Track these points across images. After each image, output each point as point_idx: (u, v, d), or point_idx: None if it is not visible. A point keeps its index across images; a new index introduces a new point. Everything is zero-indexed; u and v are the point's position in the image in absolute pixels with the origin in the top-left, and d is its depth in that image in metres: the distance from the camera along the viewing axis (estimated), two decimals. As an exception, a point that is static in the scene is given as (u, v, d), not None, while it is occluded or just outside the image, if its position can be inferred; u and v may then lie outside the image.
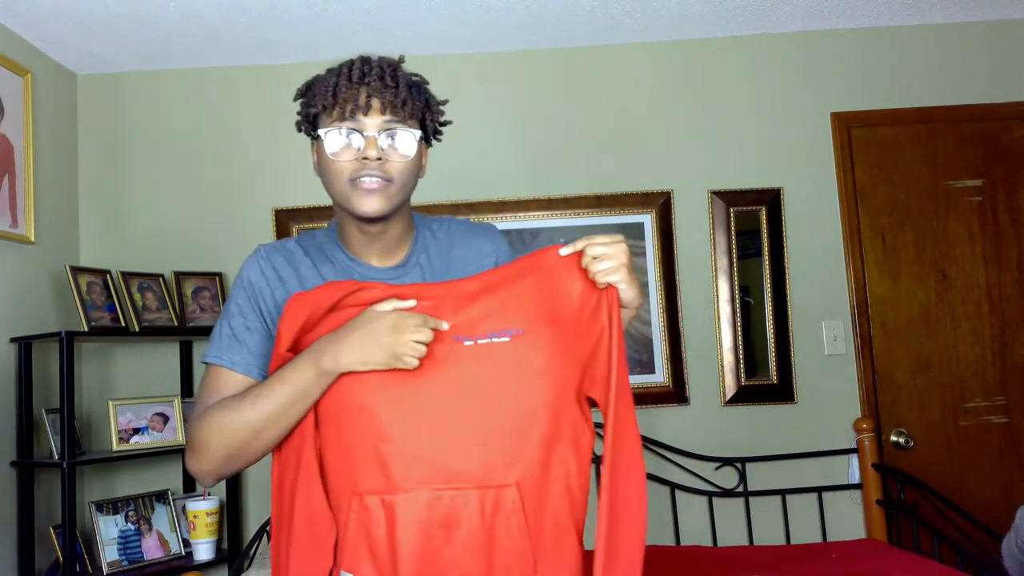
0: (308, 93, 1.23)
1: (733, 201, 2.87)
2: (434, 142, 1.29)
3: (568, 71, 2.94)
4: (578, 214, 2.86)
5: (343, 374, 1.10)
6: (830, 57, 2.93)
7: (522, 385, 1.12)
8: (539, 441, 1.11)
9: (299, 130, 1.25)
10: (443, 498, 1.09)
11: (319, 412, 1.13)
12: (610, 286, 1.14)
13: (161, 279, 2.74)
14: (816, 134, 2.91)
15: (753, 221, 2.88)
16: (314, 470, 1.12)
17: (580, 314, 1.15)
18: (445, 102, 1.29)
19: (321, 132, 1.19)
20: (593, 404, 1.18)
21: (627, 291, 1.14)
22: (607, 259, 1.13)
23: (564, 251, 1.16)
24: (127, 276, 2.67)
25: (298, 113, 1.24)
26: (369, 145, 1.16)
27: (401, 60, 1.24)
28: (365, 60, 1.20)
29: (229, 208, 2.89)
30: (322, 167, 1.23)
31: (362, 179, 1.18)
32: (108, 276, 2.65)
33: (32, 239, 2.57)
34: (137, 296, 2.65)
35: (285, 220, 2.87)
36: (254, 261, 1.27)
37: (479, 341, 1.12)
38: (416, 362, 1.09)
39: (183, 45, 2.75)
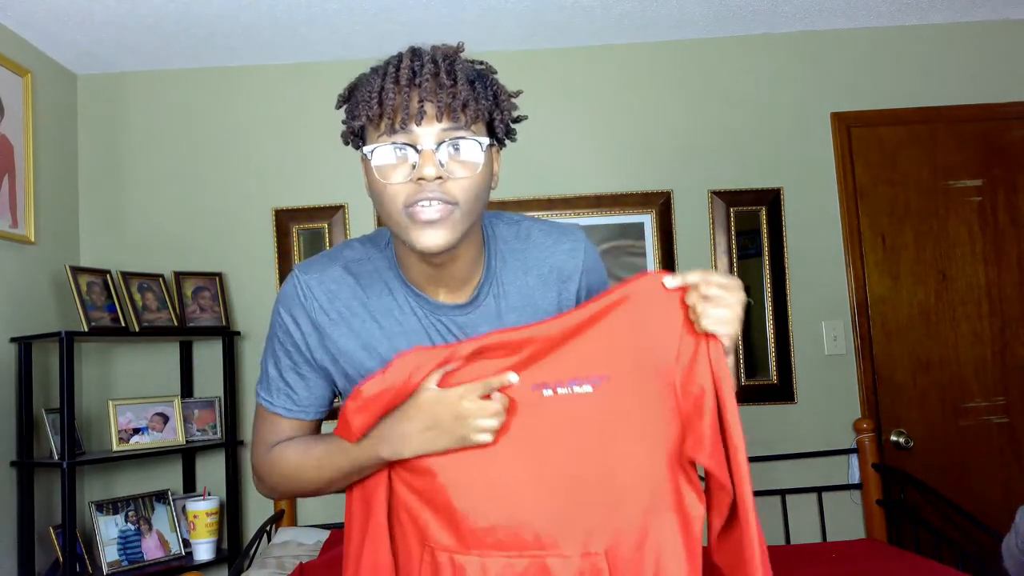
0: (351, 100, 1.02)
1: (733, 201, 2.87)
2: (508, 143, 1.06)
3: (568, 71, 2.94)
4: (578, 214, 2.86)
5: None
6: (830, 57, 2.93)
7: (608, 442, 0.98)
8: (631, 506, 0.98)
9: (345, 143, 1.05)
10: (516, 566, 0.97)
11: (391, 465, 1.04)
12: (713, 336, 0.96)
13: (161, 279, 2.74)
14: (816, 134, 2.91)
15: (753, 221, 2.88)
16: (383, 522, 1.04)
17: (678, 361, 0.99)
18: (518, 93, 1.05)
19: (367, 149, 0.98)
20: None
21: (730, 346, 0.98)
22: (722, 305, 0.94)
23: (670, 281, 0.98)
24: (127, 276, 2.67)
25: (343, 123, 1.04)
26: (426, 161, 0.95)
27: (459, 49, 1.02)
28: (415, 53, 0.98)
29: (229, 208, 2.89)
30: (372, 190, 1.01)
31: (419, 206, 0.96)
32: (108, 276, 2.65)
33: (32, 239, 2.57)
34: (137, 296, 2.65)
35: (285, 220, 2.87)
36: (295, 298, 1.08)
37: (559, 391, 0.98)
38: (490, 438, 0.97)
39: (183, 45, 2.75)
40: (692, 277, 0.96)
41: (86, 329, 2.47)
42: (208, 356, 2.84)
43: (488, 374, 0.98)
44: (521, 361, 0.99)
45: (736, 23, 2.84)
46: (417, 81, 0.95)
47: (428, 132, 0.96)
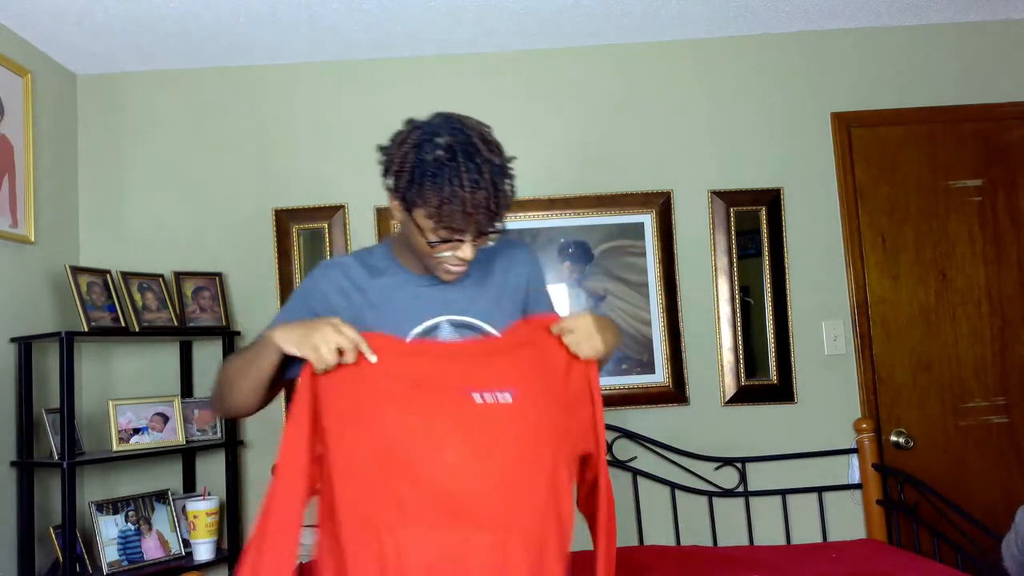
0: (421, 192, 1.29)
1: (733, 201, 2.87)
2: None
3: (568, 71, 2.94)
4: (578, 214, 2.86)
5: (371, 411, 1.27)
6: (830, 57, 2.93)
7: (526, 441, 1.27)
8: (543, 487, 1.26)
9: (391, 195, 1.36)
10: (453, 539, 1.21)
11: (336, 446, 1.26)
12: (589, 359, 1.37)
13: (161, 279, 2.74)
14: (816, 134, 2.91)
15: (753, 221, 2.88)
16: (302, 501, 1.25)
17: (568, 379, 1.36)
18: (513, 159, 1.38)
19: (420, 221, 1.31)
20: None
21: (597, 354, 1.38)
22: (571, 333, 1.36)
23: (553, 329, 1.38)
24: (127, 276, 2.67)
25: (390, 172, 1.34)
26: (467, 251, 1.34)
27: (510, 159, 1.34)
28: (475, 185, 1.27)
29: (229, 208, 2.89)
30: (411, 234, 1.36)
31: (449, 266, 1.37)
32: (108, 276, 2.65)
33: (32, 239, 2.57)
34: (137, 296, 2.65)
35: (285, 220, 2.87)
36: (317, 274, 1.47)
37: (486, 398, 1.27)
38: (312, 354, 1.24)
39: (183, 45, 2.75)
40: (559, 326, 1.38)
41: (86, 329, 2.47)
42: (208, 356, 2.84)
43: (427, 374, 1.29)
44: (456, 364, 1.31)
45: (736, 23, 2.84)
46: (476, 214, 1.28)
47: (471, 239, 1.34)
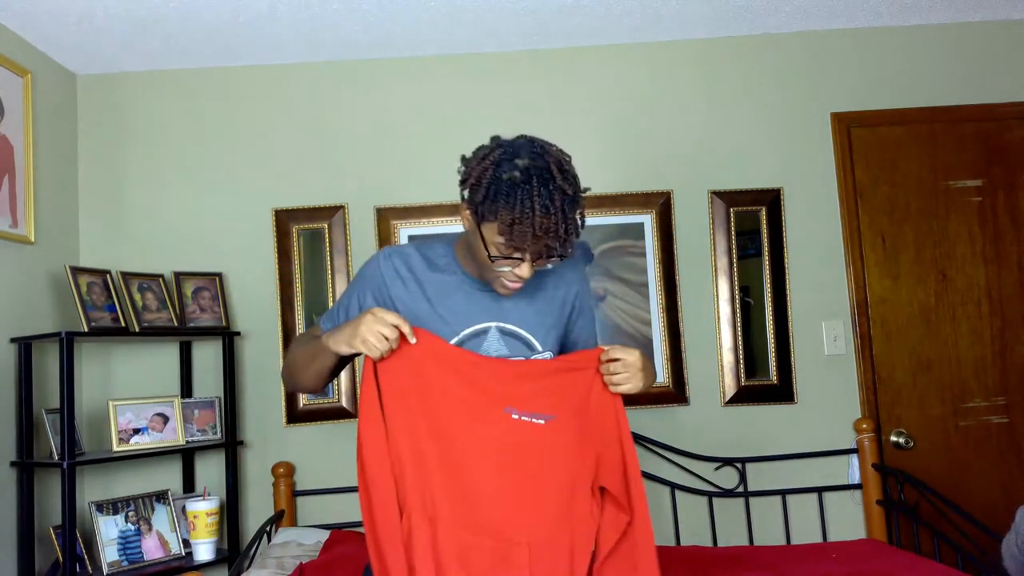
0: (488, 202, 1.35)
1: (733, 201, 2.87)
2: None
3: (568, 71, 2.94)
4: (578, 214, 2.85)
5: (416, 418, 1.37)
6: (830, 57, 2.93)
7: (548, 464, 1.36)
8: (555, 510, 1.34)
9: (466, 205, 1.41)
10: (464, 538, 1.31)
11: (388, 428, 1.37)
12: (617, 395, 1.42)
13: (161, 279, 2.74)
14: (816, 134, 2.91)
15: (753, 221, 2.88)
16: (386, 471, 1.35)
17: (600, 413, 1.42)
18: (587, 189, 1.45)
19: (488, 235, 1.37)
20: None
21: (635, 391, 1.44)
22: (620, 374, 1.41)
23: (602, 357, 1.44)
24: (127, 276, 2.67)
25: (466, 184, 1.40)
26: (523, 272, 1.39)
27: (584, 190, 1.42)
28: (544, 205, 1.32)
29: (229, 208, 2.89)
30: (476, 244, 1.42)
31: (507, 283, 1.43)
32: (108, 276, 2.65)
33: (32, 239, 2.57)
34: (137, 296, 2.65)
35: (285, 220, 2.86)
36: (379, 259, 1.52)
37: (523, 417, 1.36)
38: (362, 347, 1.33)
39: (183, 45, 2.75)
40: (608, 354, 1.43)
41: (86, 329, 2.47)
42: (208, 356, 2.84)
43: (476, 379, 1.39)
44: (497, 382, 1.39)
45: (736, 23, 2.84)
46: (546, 238, 1.33)
47: (535, 261, 1.40)
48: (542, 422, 1.37)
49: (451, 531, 1.31)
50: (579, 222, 1.40)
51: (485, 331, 1.47)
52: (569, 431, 1.38)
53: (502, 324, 1.48)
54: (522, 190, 1.32)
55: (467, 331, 1.47)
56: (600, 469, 1.39)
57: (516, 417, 1.37)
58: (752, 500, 2.77)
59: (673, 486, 2.74)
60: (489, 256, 1.39)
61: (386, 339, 1.34)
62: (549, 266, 1.44)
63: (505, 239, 1.35)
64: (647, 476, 2.76)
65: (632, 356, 1.42)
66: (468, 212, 1.41)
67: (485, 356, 1.44)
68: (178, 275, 2.74)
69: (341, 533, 2.53)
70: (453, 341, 1.46)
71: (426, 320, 1.45)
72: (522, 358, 1.48)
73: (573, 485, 1.36)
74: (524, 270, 1.39)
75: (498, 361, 1.43)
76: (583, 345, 1.59)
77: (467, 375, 1.39)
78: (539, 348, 1.50)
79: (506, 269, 1.40)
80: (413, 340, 1.36)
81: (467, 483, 1.33)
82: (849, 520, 2.76)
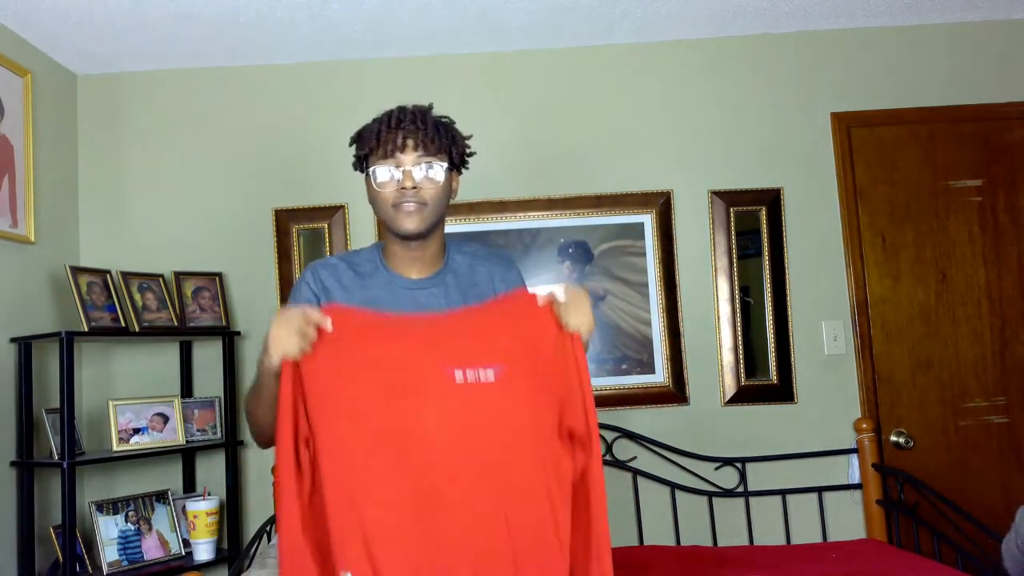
0: (359, 140, 1.50)
1: (733, 201, 2.87)
2: (463, 170, 1.56)
3: (568, 71, 2.94)
4: (578, 214, 2.86)
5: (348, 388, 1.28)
6: (830, 57, 2.93)
7: (508, 423, 1.27)
8: (524, 470, 1.26)
9: (355, 169, 1.54)
10: (432, 521, 1.23)
11: (319, 427, 1.26)
12: (576, 333, 1.33)
13: (161, 279, 2.74)
14: (816, 134, 2.91)
15: (753, 221, 2.88)
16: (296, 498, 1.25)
17: (555, 354, 1.32)
18: (469, 136, 1.55)
19: (370, 170, 1.47)
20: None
21: (588, 327, 1.35)
22: (577, 311, 1.34)
23: (540, 300, 1.36)
24: (127, 276, 2.67)
25: (353, 155, 1.52)
26: (406, 177, 1.44)
27: (430, 107, 1.51)
28: (401, 109, 1.47)
29: (229, 208, 2.89)
30: (372, 197, 1.50)
31: (403, 204, 1.45)
32: (108, 276, 2.65)
33: (32, 239, 2.57)
34: (137, 296, 2.65)
35: (285, 220, 2.87)
36: (305, 279, 1.52)
37: (468, 376, 1.27)
38: (293, 341, 1.26)
39: (183, 45, 2.75)
40: (544, 296, 1.35)
41: (86, 329, 2.47)
42: (208, 356, 2.84)
43: (406, 350, 1.29)
44: (435, 338, 1.30)
45: (736, 23, 2.84)
46: (402, 125, 1.44)
47: (409, 158, 1.45)
48: (492, 378, 1.27)
49: (418, 516, 1.21)
50: (444, 120, 1.49)
51: None
52: (521, 379, 1.28)
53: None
54: (378, 118, 1.48)
55: None
56: (565, 411, 1.30)
57: (461, 379, 1.26)
58: (752, 500, 2.76)
59: (673, 486, 2.74)
60: (376, 186, 1.45)
61: (302, 333, 1.27)
62: (429, 172, 1.44)
63: (371, 150, 1.45)
64: (648, 476, 2.76)
65: (576, 292, 1.36)
66: (365, 179, 1.50)
67: (413, 315, 1.39)
68: (178, 275, 2.74)
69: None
70: None
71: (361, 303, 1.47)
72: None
73: (539, 439, 1.28)
74: (406, 178, 1.43)
75: (428, 317, 1.37)
76: None
77: (401, 343, 1.30)
78: (478, 305, 1.48)
79: (387, 178, 1.44)
80: (329, 327, 1.28)
81: (423, 465, 1.23)
82: (849, 520, 2.76)
